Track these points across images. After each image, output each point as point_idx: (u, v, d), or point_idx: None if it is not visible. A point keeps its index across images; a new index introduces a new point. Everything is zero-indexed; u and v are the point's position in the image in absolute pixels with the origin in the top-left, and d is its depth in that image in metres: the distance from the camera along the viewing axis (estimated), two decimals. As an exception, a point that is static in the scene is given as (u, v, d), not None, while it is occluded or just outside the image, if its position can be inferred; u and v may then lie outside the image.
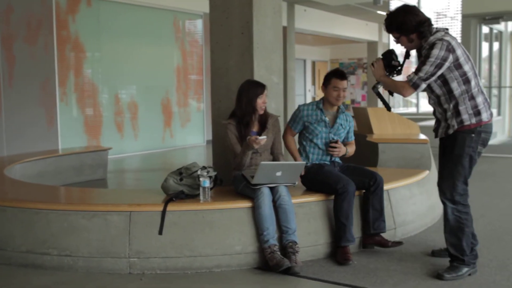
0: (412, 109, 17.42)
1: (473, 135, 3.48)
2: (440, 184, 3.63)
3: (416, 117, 10.75)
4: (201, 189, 3.86)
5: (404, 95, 3.57)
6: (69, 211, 3.82)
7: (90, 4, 9.72)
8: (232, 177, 4.20)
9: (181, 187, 3.94)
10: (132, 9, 10.47)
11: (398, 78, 3.74)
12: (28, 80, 8.73)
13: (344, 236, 3.90)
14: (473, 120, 3.48)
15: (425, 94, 3.71)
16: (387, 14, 3.66)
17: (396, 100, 18.53)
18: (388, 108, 3.96)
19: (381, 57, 3.71)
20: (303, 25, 14.51)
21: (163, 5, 10.95)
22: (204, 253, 3.72)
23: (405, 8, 3.59)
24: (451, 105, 3.51)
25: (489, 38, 13.05)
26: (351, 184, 3.92)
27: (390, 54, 3.68)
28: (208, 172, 3.88)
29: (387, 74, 3.67)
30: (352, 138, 4.49)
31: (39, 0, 8.85)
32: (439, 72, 3.43)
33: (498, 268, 3.73)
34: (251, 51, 4.80)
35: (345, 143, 4.37)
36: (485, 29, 12.54)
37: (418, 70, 3.46)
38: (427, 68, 3.42)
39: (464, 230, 3.53)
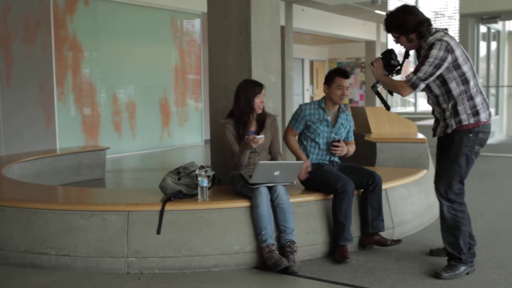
0: (410, 108, 17.45)
1: (470, 135, 3.49)
2: (436, 183, 3.64)
3: (414, 117, 10.77)
4: (199, 188, 3.86)
5: (402, 95, 3.58)
6: (67, 211, 3.81)
7: (87, 4, 9.70)
8: (230, 176, 4.20)
9: (179, 187, 3.94)
10: (130, 9, 10.44)
11: (397, 77, 3.74)
12: (26, 80, 8.72)
13: (343, 235, 3.90)
14: (472, 120, 3.49)
15: (423, 93, 3.72)
16: (386, 14, 3.67)
17: (394, 100, 18.57)
18: (387, 107, 3.96)
19: (380, 56, 3.72)
20: (301, 25, 14.51)
21: (161, 5, 10.92)
22: (202, 252, 3.72)
23: (404, 8, 3.60)
24: (450, 105, 3.51)
25: (487, 37, 13.07)
26: (350, 183, 3.93)
27: (389, 54, 3.69)
28: (206, 171, 3.88)
29: (387, 73, 3.68)
30: (352, 138, 4.49)
31: (37, -1, 8.86)
32: (438, 73, 3.44)
33: (496, 267, 3.73)
34: (249, 51, 4.80)
35: (345, 142, 4.37)
36: (482, 29, 12.55)
37: (417, 70, 3.47)
38: (426, 68, 3.42)
39: (460, 228, 3.54)
